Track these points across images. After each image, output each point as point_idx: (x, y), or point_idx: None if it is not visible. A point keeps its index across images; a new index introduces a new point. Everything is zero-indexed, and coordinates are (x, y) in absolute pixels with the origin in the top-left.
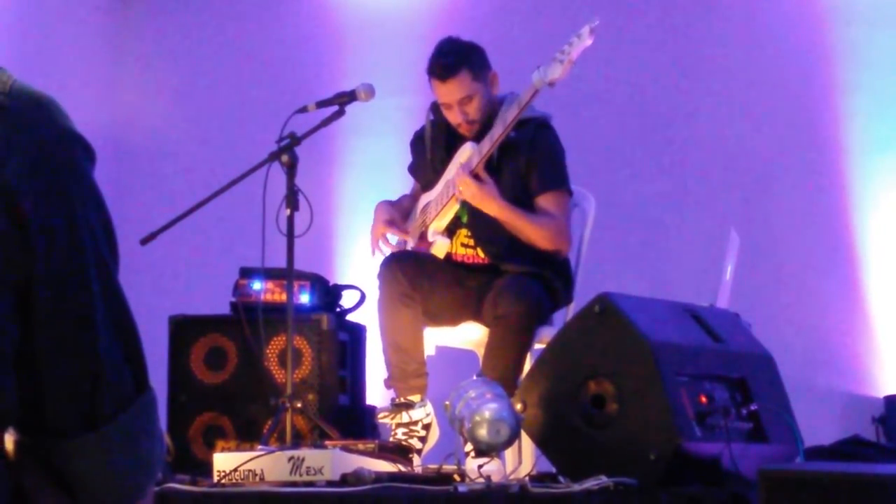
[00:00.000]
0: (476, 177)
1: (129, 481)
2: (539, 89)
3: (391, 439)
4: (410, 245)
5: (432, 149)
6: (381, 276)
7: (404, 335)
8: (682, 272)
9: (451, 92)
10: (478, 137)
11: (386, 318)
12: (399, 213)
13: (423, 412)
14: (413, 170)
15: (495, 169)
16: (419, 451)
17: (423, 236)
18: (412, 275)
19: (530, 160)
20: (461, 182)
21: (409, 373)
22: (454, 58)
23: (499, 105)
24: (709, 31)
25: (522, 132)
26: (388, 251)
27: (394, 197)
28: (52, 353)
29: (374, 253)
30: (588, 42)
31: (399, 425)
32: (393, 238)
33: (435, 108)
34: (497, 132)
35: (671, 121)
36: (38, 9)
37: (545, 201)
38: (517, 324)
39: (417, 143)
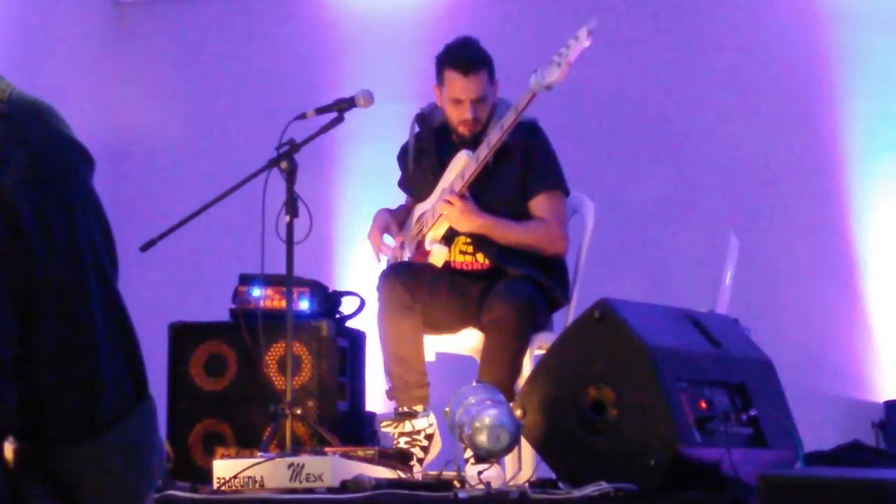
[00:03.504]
0: (461, 197)
1: (129, 489)
2: (536, 93)
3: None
4: (408, 255)
5: (418, 160)
6: (380, 288)
7: (405, 346)
8: (681, 277)
9: (469, 87)
10: (471, 144)
11: (386, 329)
12: (396, 221)
13: (425, 422)
14: (403, 185)
15: (492, 174)
16: (420, 461)
17: (420, 245)
18: (411, 286)
19: (526, 163)
20: (442, 206)
21: (410, 384)
22: (479, 55)
23: (492, 113)
24: (708, 35)
25: (516, 136)
26: (387, 254)
27: (393, 204)
28: (51, 361)
29: (378, 259)
30: (586, 44)
31: (401, 434)
32: (389, 240)
33: (420, 119)
34: (494, 138)
35: (670, 126)
36: (37, 16)
37: (538, 203)
38: (510, 328)
39: (404, 157)
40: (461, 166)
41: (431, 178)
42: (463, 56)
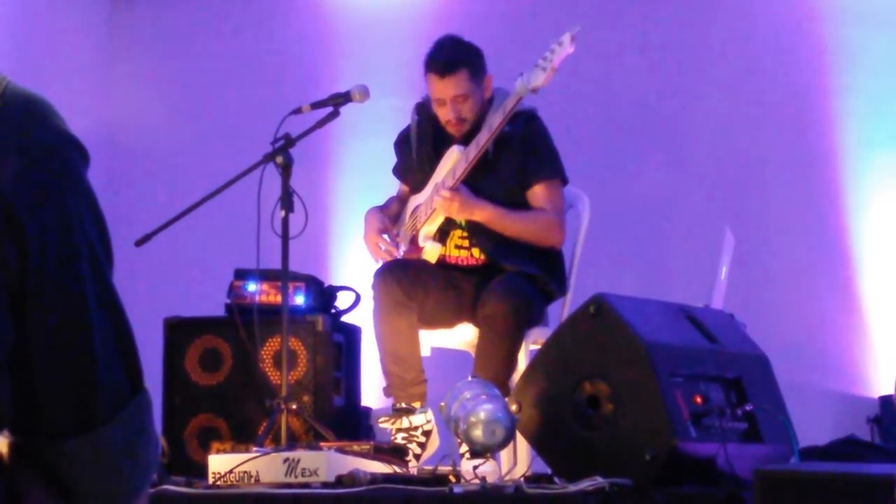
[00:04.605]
0: (455, 189)
1: (125, 483)
2: (523, 96)
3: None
4: (402, 249)
5: (418, 149)
6: (375, 286)
7: (401, 344)
8: (677, 272)
9: (447, 88)
10: (466, 139)
11: (382, 327)
12: (389, 219)
13: (423, 418)
14: (399, 172)
15: (491, 164)
16: (417, 457)
17: (413, 240)
18: (406, 283)
19: (524, 152)
20: (438, 203)
21: (408, 381)
22: (455, 55)
23: (489, 105)
24: (703, 31)
25: (515, 126)
26: (385, 256)
27: (386, 198)
28: (46, 355)
29: (377, 260)
30: (570, 50)
31: (399, 430)
32: (384, 241)
33: (420, 108)
34: (483, 138)
35: (666, 121)
36: (32, 11)
37: (536, 193)
38: (504, 323)
39: (402, 144)
40: (452, 162)
41: (427, 169)
42: (437, 58)
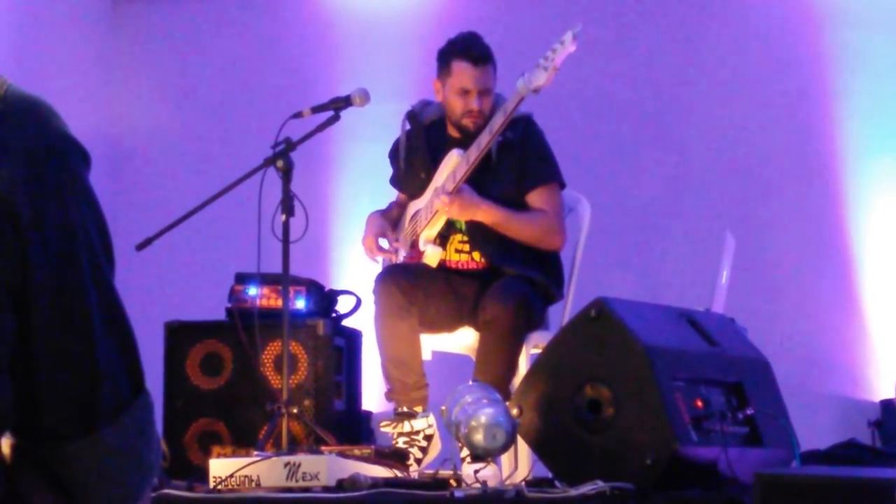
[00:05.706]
0: (457, 192)
1: (126, 485)
2: (524, 96)
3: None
4: (402, 254)
5: (409, 158)
6: (376, 290)
7: (403, 348)
8: (677, 276)
9: (480, 78)
10: (464, 142)
11: (383, 332)
12: (389, 223)
13: (424, 423)
14: (395, 182)
15: (494, 169)
16: (419, 461)
17: (414, 245)
18: (407, 287)
19: (522, 157)
20: (441, 204)
21: (409, 385)
22: (488, 48)
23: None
24: (704, 34)
25: (515, 131)
26: (381, 257)
27: (387, 203)
28: (48, 357)
29: (375, 259)
30: (571, 48)
31: (400, 434)
32: (384, 243)
33: (410, 116)
34: (485, 139)
35: (666, 124)
36: (34, 14)
37: (536, 197)
38: (504, 327)
39: (395, 154)
40: (452, 166)
41: (424, 176)
42: (473, 47)
